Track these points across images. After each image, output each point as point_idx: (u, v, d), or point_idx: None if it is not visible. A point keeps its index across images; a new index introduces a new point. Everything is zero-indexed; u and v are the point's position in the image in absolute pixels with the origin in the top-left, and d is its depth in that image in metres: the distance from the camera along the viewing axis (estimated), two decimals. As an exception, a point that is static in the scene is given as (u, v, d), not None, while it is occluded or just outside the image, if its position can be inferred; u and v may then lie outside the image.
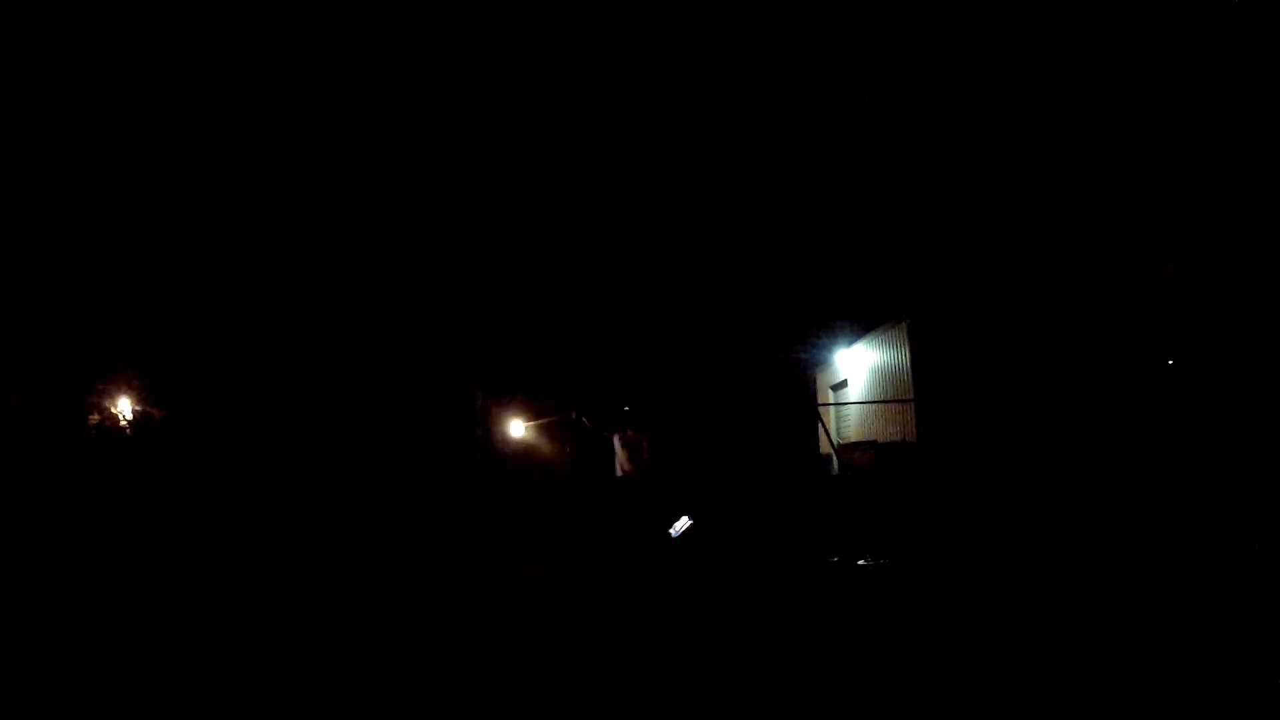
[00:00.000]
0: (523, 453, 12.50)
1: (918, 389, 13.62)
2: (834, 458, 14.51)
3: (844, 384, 18.72)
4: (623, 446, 8.83)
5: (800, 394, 12.97)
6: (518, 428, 12.39)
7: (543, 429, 12.40)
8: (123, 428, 13.51)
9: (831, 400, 19.26)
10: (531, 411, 12.40)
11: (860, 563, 7.95)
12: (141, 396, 14.00)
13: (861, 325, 17.76)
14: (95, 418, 13.56)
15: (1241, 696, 3.80)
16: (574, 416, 10.94)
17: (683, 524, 9.19)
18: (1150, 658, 4.43)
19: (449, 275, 13.11)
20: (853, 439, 16.15)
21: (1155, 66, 18.18)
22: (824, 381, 19.36)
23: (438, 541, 10.45)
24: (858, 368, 17.52)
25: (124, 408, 13.61)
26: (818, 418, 12.80)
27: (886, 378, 15.30)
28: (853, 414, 17.80)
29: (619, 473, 8.62)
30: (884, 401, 14.96)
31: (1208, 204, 15.81)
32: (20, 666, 4.82)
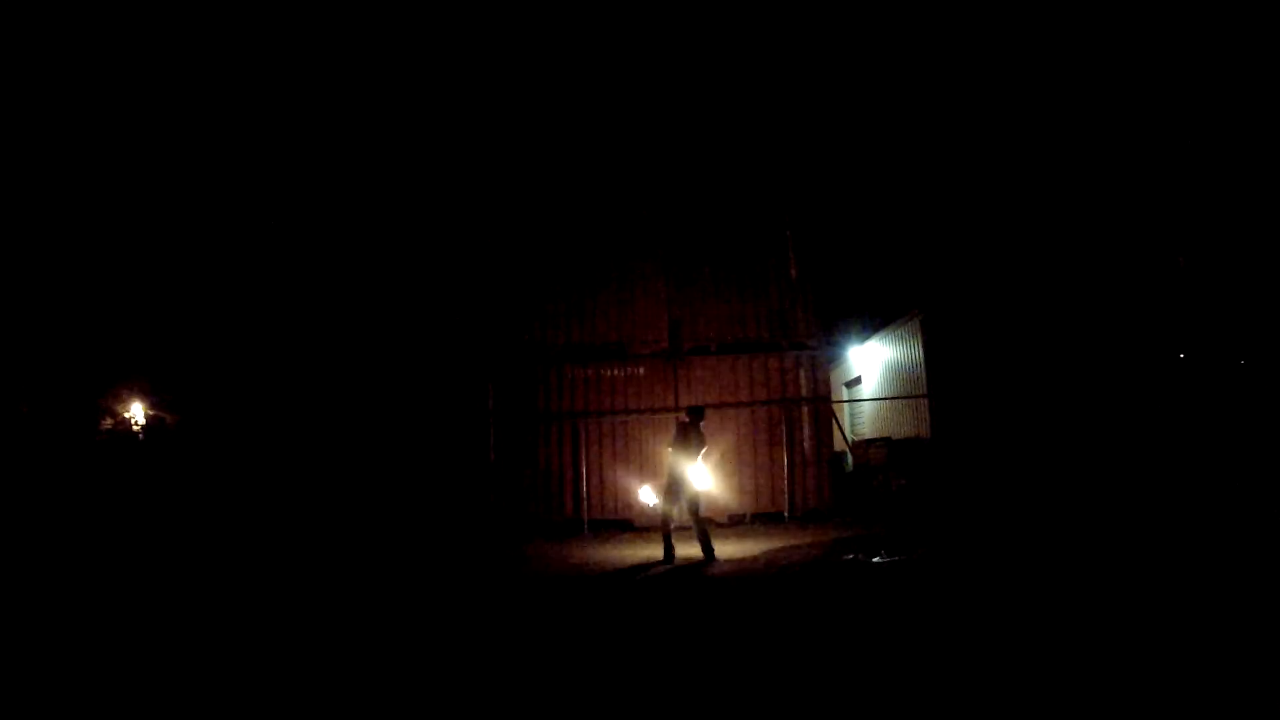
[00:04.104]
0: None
1: (931, 385, 13.46)
2: (848, 454, 14.35)
3: (858, 380, 18.56)
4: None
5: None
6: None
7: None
8: (135, 432, 13.61)
9: (845, 397, 19.11)
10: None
11: (875, 560, 7.80)
12: (154, 401, 14.08)
13: (875, 321, 17.64)
14: (109, 422, 13.67)
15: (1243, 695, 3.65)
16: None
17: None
18: (1164, 657, 4.28)
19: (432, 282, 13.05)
20: (867, 435, 15.99)
21: (1165, 65, 17.94)
22: (838, 378, 19.22)
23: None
24: (871, 364, 17.37)
25: (136, 412, 13.71)
26: (832, 414, 12.65)
27: (900, 374, 15.14)
28: (866, 410, 17.64)
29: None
30: (898, 398, 14.79)
31: (1218, 198, 15.58)
32: (26, 665, 4.78)
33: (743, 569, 7.87)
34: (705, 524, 8.61)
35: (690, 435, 8.50)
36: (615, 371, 12.30)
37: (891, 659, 4.46)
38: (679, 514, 8.69)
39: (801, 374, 12.22)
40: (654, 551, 8.79)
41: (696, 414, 8.75)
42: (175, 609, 6.49)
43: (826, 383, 13.05)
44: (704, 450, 8.65)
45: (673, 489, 8.47)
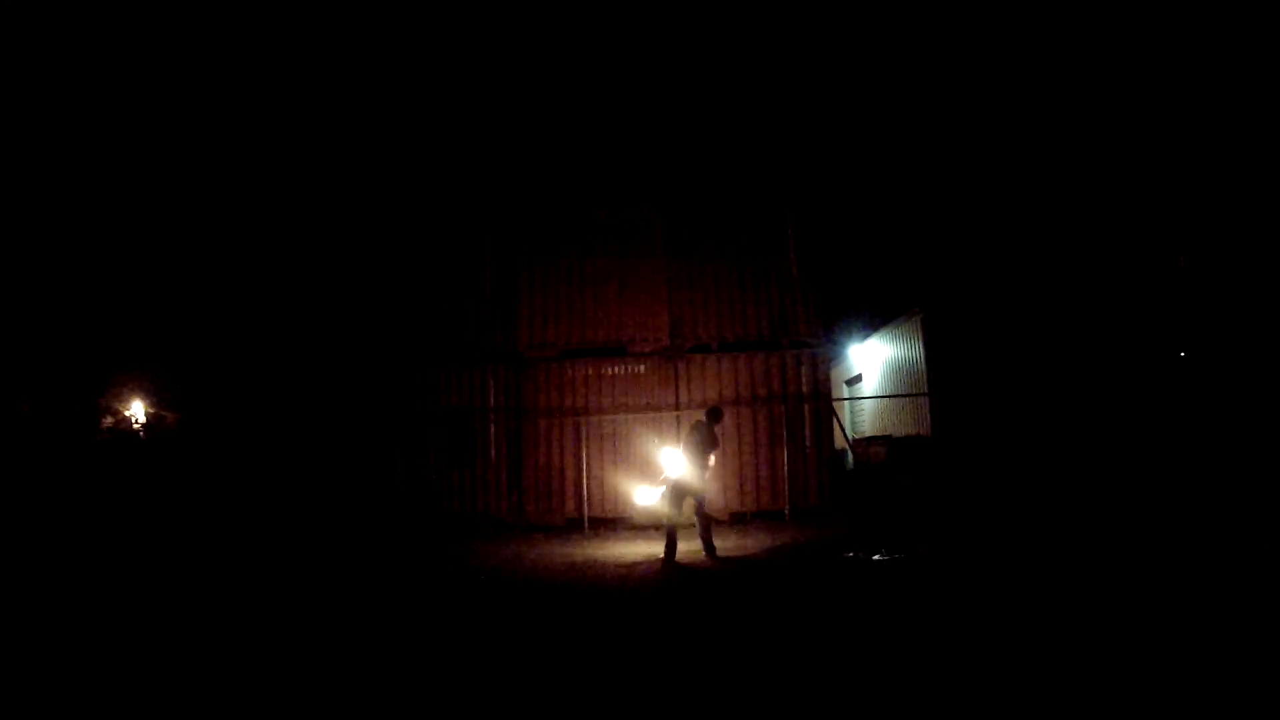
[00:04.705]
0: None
1: (931, 383, 13.46)
2: (849, 452, 14.35)
3: (858, 378, 18.56)
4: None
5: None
6: None
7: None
8: (136, 430, 13.59)
9: (846, 395, 19.11)
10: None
11: (875, 557, 7.80)
12: (154, 399, 14.06)
13: (876, 320, 17.65)
14: (109, 420, 13.65)
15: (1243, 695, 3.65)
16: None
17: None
18: (1161, 653, 4.29)
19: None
20: (867, 433, 15.99)
21: (1167, 65, 17.94)
22: (838, 376, 19.21)
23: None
24: (872, 362, 17.37)
25: (137, 410, 13.69)
26: (832, 412, 12.65)
27: (900, 372, 15.14)
28: (867, 408, 17.65)
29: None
30: (898, 396, 14.79)
31: (1219, 198, 15.59)
32: (24, 663, 4.79)
33: (744, 566, 7.88)
34: (708, 521, 8.61)
35: (704, 435, 8.51)
36: (616, 369, 12.30)
37: (890, 656, 4.46)
38: (685, 512, 8.65)
39: (802, 372, 12.21)
40: (655, 549, 8.79)
41: (714, 415, 8.80)
42: (164, 612, 6.50)
43: (827, 381, 13.04)
44: (715, 451, 8.66)
45: (680, 487, 8.45)
